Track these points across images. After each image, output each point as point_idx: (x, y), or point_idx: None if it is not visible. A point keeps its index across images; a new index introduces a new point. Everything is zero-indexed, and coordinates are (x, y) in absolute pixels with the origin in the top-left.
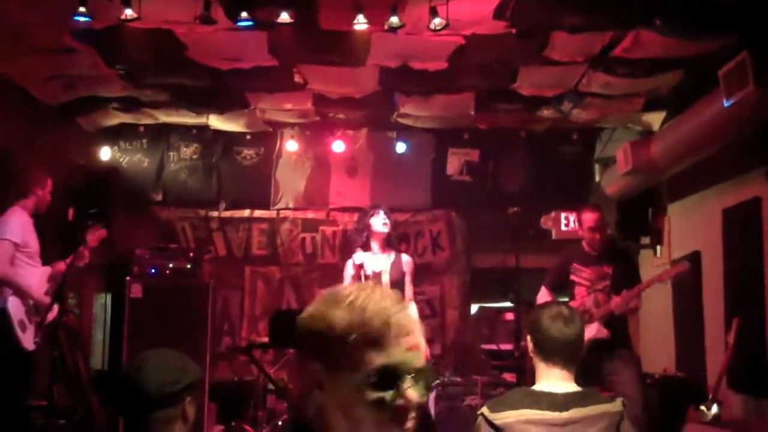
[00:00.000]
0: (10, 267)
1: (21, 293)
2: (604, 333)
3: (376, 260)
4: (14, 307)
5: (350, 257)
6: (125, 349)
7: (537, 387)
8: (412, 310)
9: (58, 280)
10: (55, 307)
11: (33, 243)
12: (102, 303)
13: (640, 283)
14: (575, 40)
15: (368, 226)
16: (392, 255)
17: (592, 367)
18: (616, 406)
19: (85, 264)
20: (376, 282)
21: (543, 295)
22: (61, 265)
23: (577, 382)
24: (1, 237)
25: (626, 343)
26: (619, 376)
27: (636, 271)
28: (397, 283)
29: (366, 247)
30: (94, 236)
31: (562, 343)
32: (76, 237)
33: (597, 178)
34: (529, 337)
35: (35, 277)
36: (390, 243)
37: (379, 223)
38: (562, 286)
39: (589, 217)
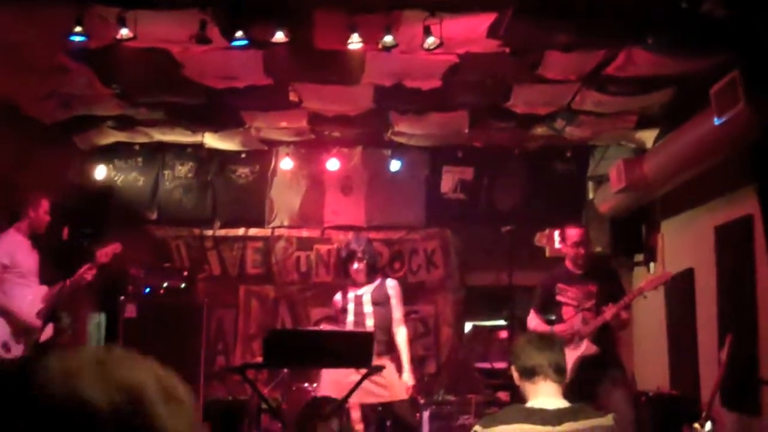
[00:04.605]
0: None
1: (6, 314)
2: (593, 349)
3: (361, 287)
4: None
5: (344, 277)
6: None
7: (528, 404)
8: (402, 333)
9: (56, 300)
10: (50, 328)
11: (26, 263)
12: (96, 322)
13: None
14: (568, 58)
15: (348, 268)
16: (377, 281)
17: (583, 386)
18: (608, 420)
19: (91, 281)
20: (358, 303)
21: (532, 318)
22: (62, 284)
23: (569, 400)
24: None
25: (616, 361)
26: (610, 396)
27: (621, 288)
28: (380, 305)
29: (352, 281)
30: (105, 252)
31: (543, 359)
32: (70, 256)
33: (590, 196)
34: (513, 367)
35: (27, 296)
36: (373, 275)
37: (353, 269)
38: (549, 307)
39: (574, 232)
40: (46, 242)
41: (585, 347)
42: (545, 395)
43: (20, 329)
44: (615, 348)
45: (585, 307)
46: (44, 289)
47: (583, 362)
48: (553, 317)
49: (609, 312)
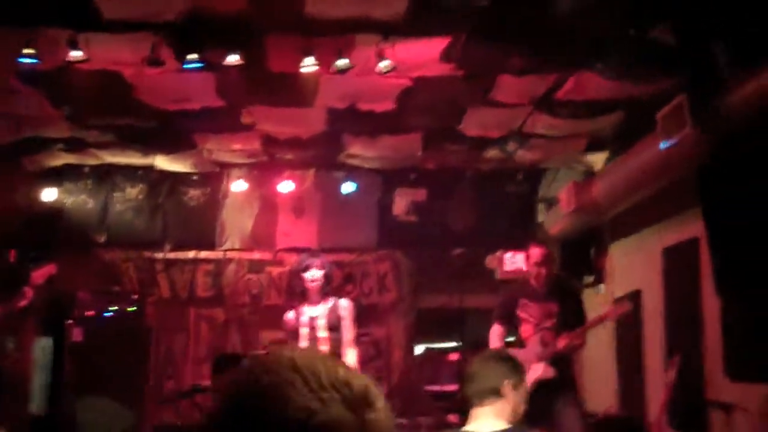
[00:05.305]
0: None
1: None
2: (551, 373)
3: (314, 308)
4: None
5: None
6: (65, 394)
7: (466, 428)
8: (351, 355)
9: None
10: None
11: None
12: (43, 346)
13: (584, 322)
14: (520, 82)
15: (302, 281)
16: (330, 301)
17: (539, 408)
18: None
19: (27, 303)
20: (312, 327)
21: (495, 330)
22: None
23: (524, 422)
24: None
25: (572, 384)
26: (562, 416)
27: (582, 310)
28: (334, 330)
29: (304, 298)
30: (40, 273)
31: (474, 388)
32: (17, 279)
33: (541, 218)
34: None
35: None
36: (327, 292)
37: (309, 279)
38: (510, 319)
39: (536, 252)
40: None
41: (543, 370)
42: (483, 417)
43: None
44: (571, 371)
45: (544, 326)
46: None
47: (540, 385)
48: (513, 338)
49: (562, 342)
